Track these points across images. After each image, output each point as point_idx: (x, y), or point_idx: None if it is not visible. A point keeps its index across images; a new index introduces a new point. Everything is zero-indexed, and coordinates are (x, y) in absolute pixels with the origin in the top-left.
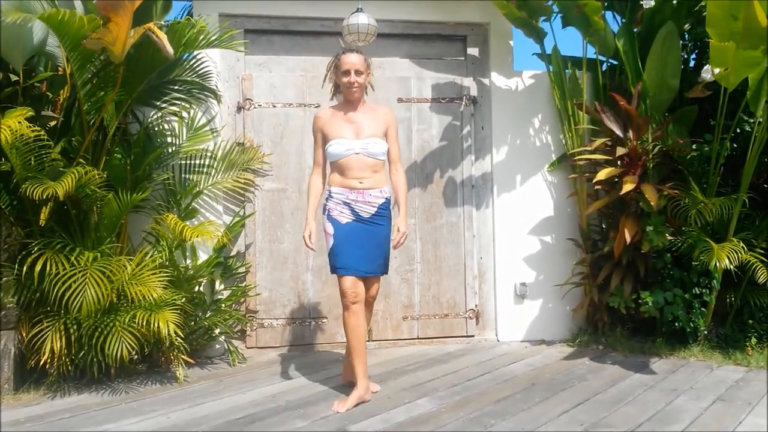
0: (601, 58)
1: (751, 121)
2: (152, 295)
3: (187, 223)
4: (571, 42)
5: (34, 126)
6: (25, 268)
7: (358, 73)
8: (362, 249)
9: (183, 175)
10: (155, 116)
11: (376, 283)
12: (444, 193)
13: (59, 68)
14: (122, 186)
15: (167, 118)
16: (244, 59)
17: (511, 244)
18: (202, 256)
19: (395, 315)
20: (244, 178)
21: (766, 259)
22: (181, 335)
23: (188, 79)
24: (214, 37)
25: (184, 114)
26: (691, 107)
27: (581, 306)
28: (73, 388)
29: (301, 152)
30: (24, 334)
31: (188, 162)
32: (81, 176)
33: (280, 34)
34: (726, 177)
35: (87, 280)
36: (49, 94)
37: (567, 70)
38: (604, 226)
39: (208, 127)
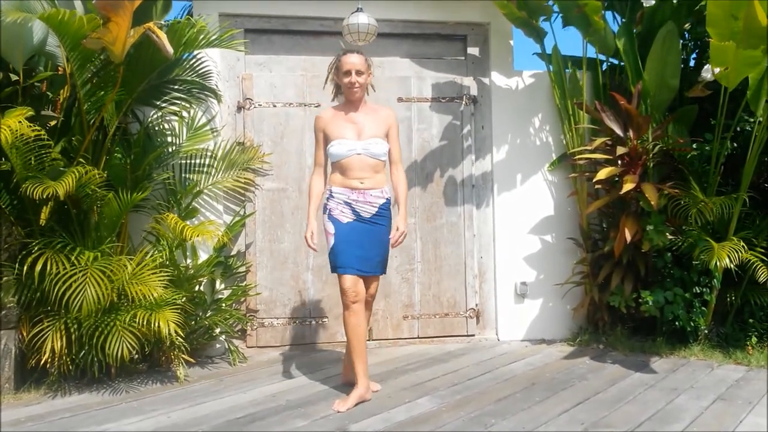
0: (601, 57)
1: (752, 120)
2: (153, 295)
3: (188, 222)
4: (571, 41)
5: (34, 125)
6: (25, 268)
7: (358, 73)
8: (362, 248)
9: (183, 175)
10: (155, 116)
11: (375, 282)
12: (444, 193)
13: (59, 68)
14: (122, 185)
15: (167, 118)
16: (244, 59)
17: (511, 243)
18: (203, 256)
19: (395, 314)
20: (245, 178)
21: (766, 258)
22: (182, 335)
23: (188, 78)
24: (214, 37)
25: (184, 113)
26: (692, 106)
27: (582, 305)
28: (73, 388)
29: (301, 152)
30: (24, 334)
31: (188, 161)
32: (81, 176)
33: (280, 33)
34: (726, 176)
35: (87, 279)
36: (49, 93)
37: (567, 70)
38: (604, 226)
39: (208, 127)
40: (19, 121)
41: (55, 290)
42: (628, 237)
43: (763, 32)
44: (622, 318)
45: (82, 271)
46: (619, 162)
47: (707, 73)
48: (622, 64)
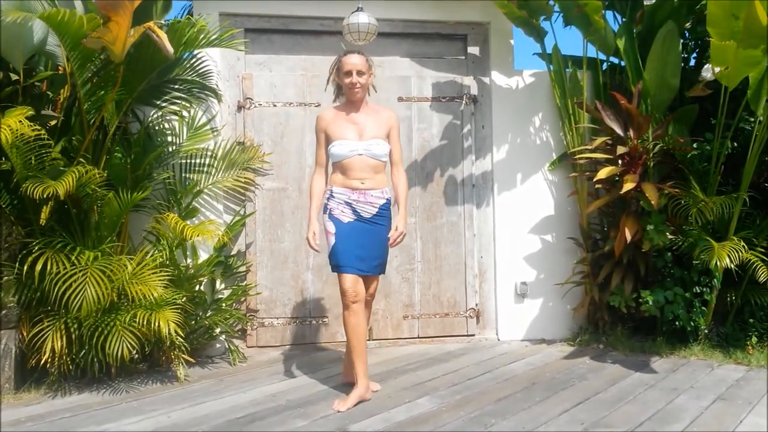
0: (601, 57)
1: (752, 120)
2: (153, 295)
3: (188, 222)
4: (571, 41)
5: (35, 125)
6: (25, 268)
7: (359, 73)
8: (363, 248)
9: (183, 174)
10: (155, 115)
11: (375, 282)
12: (444, 192)
13: (59, 67)
14: (122, 185)
15: (167, 117)
16: (245, 58)
17: (511, 243)
18: (203, 256)
19: (396, 314)
20: (245, 178)
21: (766, 258)
22: (182, 334)
23: (188, 78)
24: (214, 37)
25: (185, 113)
26: (692, 106)
27: (582, 305)
28: (73, 388)
29: (302, 151)
30: (25, 334)
31: (188, 161)
32: (81, 175)
33: (280, 33)
34: (726, 176)
35: (87, 279)
36: (49, 93)
37: (567, 69)
38: (604, 225)
39: (208, 127)
40: (20, 121)
41: (55, 290)
42: (629, 237)
43: (763, 32)
44: (622, 318)
45: (82, 271)
46: (620, 161)
47: (707, 72)
48: (623, 63)
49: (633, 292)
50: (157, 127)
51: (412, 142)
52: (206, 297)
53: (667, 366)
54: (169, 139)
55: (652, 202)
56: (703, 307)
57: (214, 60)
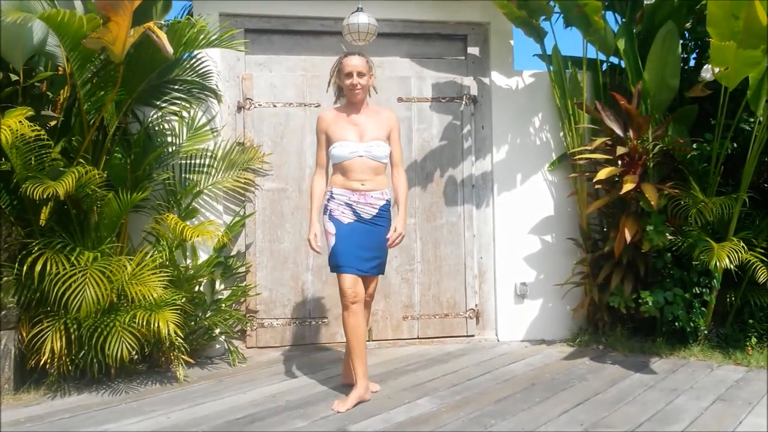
0: (601, 57)
1: (752, 120)
2: (152, 295)
3: (188, 222)
4: (571, 41)
5: (35, 125)
6: (25, 268)
7: (360, 75)
8: (362, 248)
9: (183, 175)
10: (155, 116)
11: (374, 282)
12: (444, 193)
13: (59, 68)
14: (122, 186)
15: (167, 118)
16: (245, 59)
17: (511, 243)
18: (203, 256)
19: (395, 315)
20: (245, 178)
21: (766, 259)
22: (181, 335)
23: (188, 78)
24: (214, 37)
25: (185, 113)
26: (692, 106)
27: (581, 306)
28: (73, 388)
29: (302, 152)
30: (24, 334)
31: (188, 162)
32: (81, 176)
33: (280, 33)
34: (726, 176)
35: (87, 280)
36: (49, 93)
37: (567, 70)
38: (604, 226)
39: (208, 127)
40: (20, 121)
41: (55, 290)
42: (628, 237)
43: (763, 32)
44: (621, 318)
45: (82, 272)
46: (619, 162)
47: (707, 72)
48: (623, 64)
49: (633, 293)
50: (156, 128)
51: (412, 142)
52: (206, 298)
53: (667, 367)
54: (169, 139)
55: (652, 203)
56: (703, 308)
57: (214, 60)
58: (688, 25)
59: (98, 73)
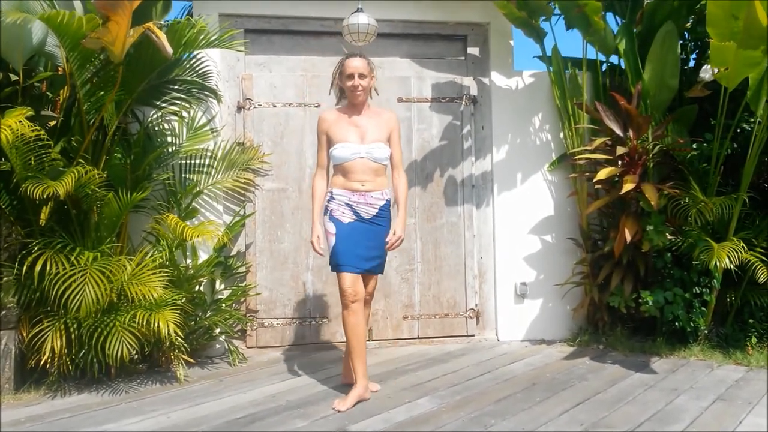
0: (601, 57)
1: (752, 120)
2: (152, 295)
3: (188, 222)
4: (571, 42)
5: (34, 126)
6: (25, 268)
7: (361, 76)
8: (363, 248)
9: (183, 175)
10: (155, 116)
11: (373, 280)
12: (444, 193)
13: (59, 68)
14: (122, 186)
15: (167, 118)
16: (244, 59)
17: (511, 243)
18: (203, 256)
19: (395, 315)
20: (245, 178)
21: (766, 259)
22: (182, 335)
23: (188, 78)
24: (214, 37)
25: (184, 114)
26: (691, 107)
27: (581, 305)
28: (73, 388)
29: (302, 152)
30: (24, 334)
31: (188, 162)
32: (81, 176)
33: (280, 33)
34: (726, 176)
35: (87, 279)
36: (48, 93)
37: (567, 70)
38: (604, 226)
39: (208, 127)
40: (19, 121)
41: (55, 290)
42: (628, 237)
43: (763, 32)
44: (622, 318)
45: (82, 272)
46: (619, 162)
47: (706, 73)
48: (622, 64)
49: (633, 293)
50: (156, 128)
51: (411, 142)
52: (206, 297)
53: (667, 366)
54: (169, 139)
55: (652, 203)
56: (703, 308)
57: (214, 60)
58: (687, 25)
59: (98, 73)
